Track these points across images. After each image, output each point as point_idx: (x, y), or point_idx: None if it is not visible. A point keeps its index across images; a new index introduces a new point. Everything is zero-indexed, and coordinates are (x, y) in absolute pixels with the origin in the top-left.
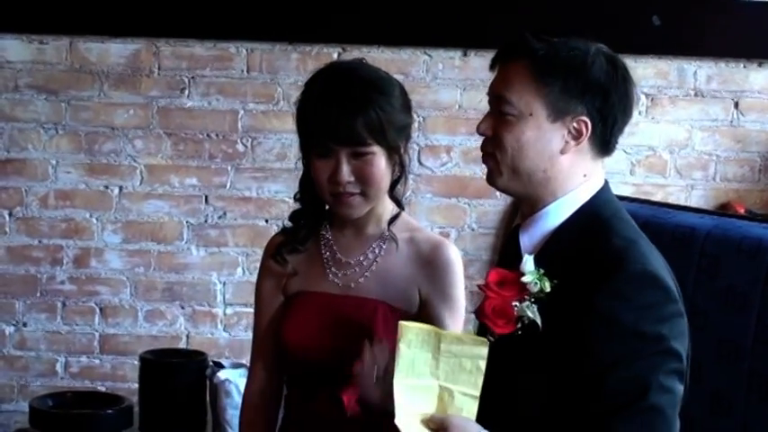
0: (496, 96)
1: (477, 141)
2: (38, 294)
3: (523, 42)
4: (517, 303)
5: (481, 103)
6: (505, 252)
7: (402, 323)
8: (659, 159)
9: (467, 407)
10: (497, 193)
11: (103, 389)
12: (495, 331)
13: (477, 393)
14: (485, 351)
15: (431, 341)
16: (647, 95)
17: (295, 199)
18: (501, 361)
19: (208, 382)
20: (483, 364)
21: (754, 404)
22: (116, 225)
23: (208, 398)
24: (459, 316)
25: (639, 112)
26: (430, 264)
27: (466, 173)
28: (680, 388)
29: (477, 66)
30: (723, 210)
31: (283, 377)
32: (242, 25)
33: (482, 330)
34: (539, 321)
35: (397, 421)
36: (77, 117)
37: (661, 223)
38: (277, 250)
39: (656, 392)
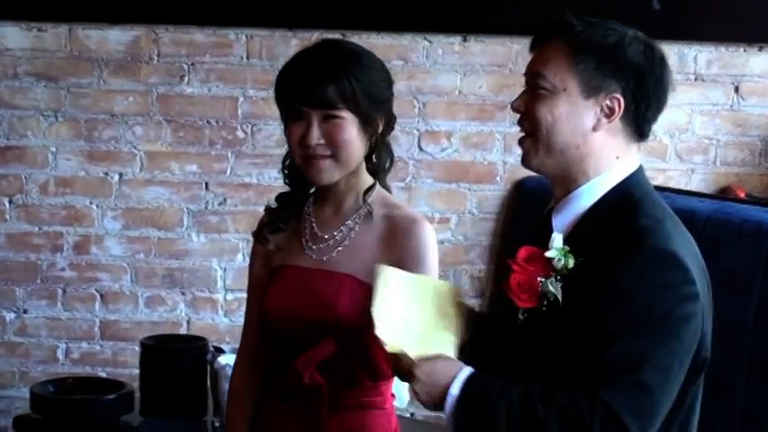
0: (533, 73)
1: (477, 127)
2: (38, 281)
3: (561, 21)
4: (542, 279)
5: (481, 88)
6: (537, 237)
7: (378, 266)
8: (659, 144)
9: (446, 343)
10: (498, 177)
11: (104, 375)
12: (519, 305)
13: (456, 336)
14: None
15: (409, 285)
16: None
17: (285, 182)
18: (529, 336)
19: (208, 368)
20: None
21: (755, 387)
22: (116, 212)
23: (208, 383)
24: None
25: None
26: (403, 239)
27: (466, 158)
28: (679, 371)
29: (477, 51)
30: (723, 194)
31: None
32: (241, 12)
33: (508, 306)
34: (559, 297)
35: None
36: (77, 104)
37: None
38: (260, 230)
39: (650, 370)
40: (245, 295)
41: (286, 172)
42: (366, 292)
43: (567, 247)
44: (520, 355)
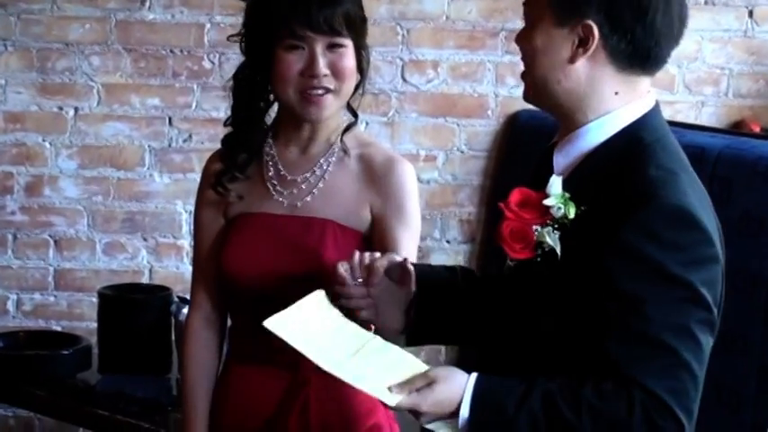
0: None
1: (466, 56)
2: None
3: None
4: (538, 228)
5: (470, 13)
6: (537, 173)
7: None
8: (666, 74)
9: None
10: (489, 111)
11: (59, 328)
12: (512, 256)
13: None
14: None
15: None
16: None
17: (225, 124)
18: (518, 287)
19: (173, 320)
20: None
21: None
22: (71, 150)
23: (173, 337)
24: (413, 230)
25: None
26: (381, 180)
27: (454, 90)
28: (708, 341)
29: None
30: (736, 128)
31: (227, 306)
32: None
33: (499, 254)
34: (558, 250)
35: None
36: (28, 32)
37: None
38: (217, 180)
39: (684, 343)
40: None
41: (236, 111)
42: (350, 237)
43: (567, 194)
44: (501, 305)
